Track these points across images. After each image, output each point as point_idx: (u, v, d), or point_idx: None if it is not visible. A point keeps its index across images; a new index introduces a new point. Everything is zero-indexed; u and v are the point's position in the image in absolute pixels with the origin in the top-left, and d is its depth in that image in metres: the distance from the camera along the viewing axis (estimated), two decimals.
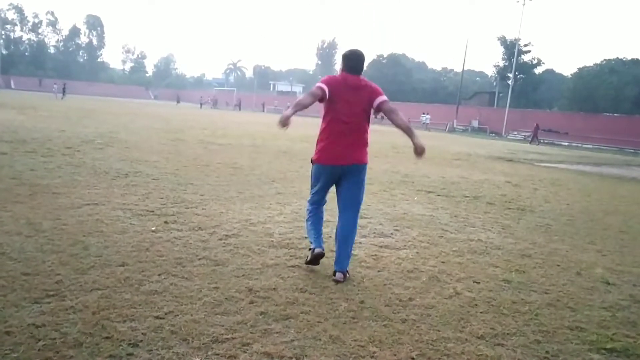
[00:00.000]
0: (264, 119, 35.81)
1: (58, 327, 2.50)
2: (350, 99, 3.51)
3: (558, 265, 4.38)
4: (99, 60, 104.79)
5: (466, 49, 79.55)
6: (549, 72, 66.32)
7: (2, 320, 2.52)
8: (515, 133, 42.53)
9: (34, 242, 3.77)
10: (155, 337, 2.49)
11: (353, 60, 3.59)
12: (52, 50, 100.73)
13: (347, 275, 3.58)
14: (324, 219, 3.87)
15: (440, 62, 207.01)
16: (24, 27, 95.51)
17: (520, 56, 53.23)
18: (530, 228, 5.86)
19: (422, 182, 8.90)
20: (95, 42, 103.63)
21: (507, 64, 55.88)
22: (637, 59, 51.64)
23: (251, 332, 2.63)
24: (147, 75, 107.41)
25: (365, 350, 2.54)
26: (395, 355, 2.53)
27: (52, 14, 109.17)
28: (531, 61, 57.40)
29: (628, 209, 8.05)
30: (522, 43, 53.04)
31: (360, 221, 3.79)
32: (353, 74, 3.57)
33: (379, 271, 3.81)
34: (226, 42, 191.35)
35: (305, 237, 4.52)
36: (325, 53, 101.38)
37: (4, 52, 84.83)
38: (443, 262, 4.18)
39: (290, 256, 3.99)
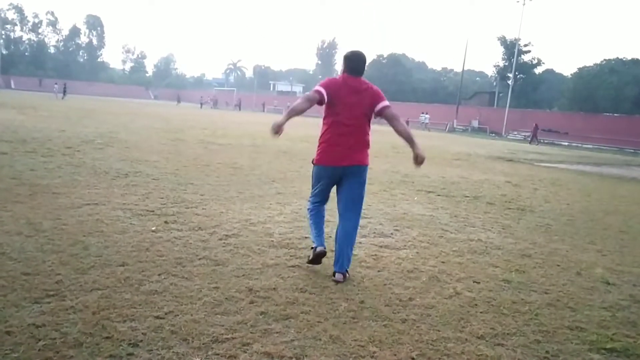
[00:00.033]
0: (264, 119, 35.82)
1: (58, 327, 2.50)
2: (351, 102, 3.50)
3: (558, 265, 4.38)
4: (99, 60, 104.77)
5: (466, 49, 79.66)
6: (549, 72, 66.32)
7: (3, 320, 2.52)
8: (515, 133, 42.53)
9: (34, 242, 3.77)
10: (156, 337, 2.49)
11: (354, 61, 3.58)
12: (52, 50, 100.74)
13: (347, 275, 3.58)
14: (325, 219, 3.86)
15: (440, 62, 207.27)
16: (24, 27, 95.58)
17: (520, 56, 53.22)
18: (530, 228, 5.86)
19: (422, 182, 8.90)
20: (95, 42, 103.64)
21: (507, 64, 55.87)
22: (637, 59, 51.64)
23: (251, 332, 2.63)
24: (147, 75, 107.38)
25: (365, 350, 2.54)
26: (395, 355, 2.53)
27: (52, 14, 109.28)
28: (531, 61, 57.40)
29: (628, 209, 8.05)
30: (522, 43, 53.08)
31: (360, 221, 3.79)
32: (354, 76, 3.56)
33: (379, 271, 3.81)
34: (226, 42, 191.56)
35: (306, 237, 4.53)
36: (325, 53, 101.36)
37: (4, 52, 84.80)
38: (443, 262, 4.18)
39: (291, 256, 3.99)
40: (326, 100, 3.48)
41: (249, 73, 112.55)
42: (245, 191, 6.59)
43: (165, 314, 2.75)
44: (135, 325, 2.58)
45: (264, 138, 16.09)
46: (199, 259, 3.72)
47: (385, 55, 72.61)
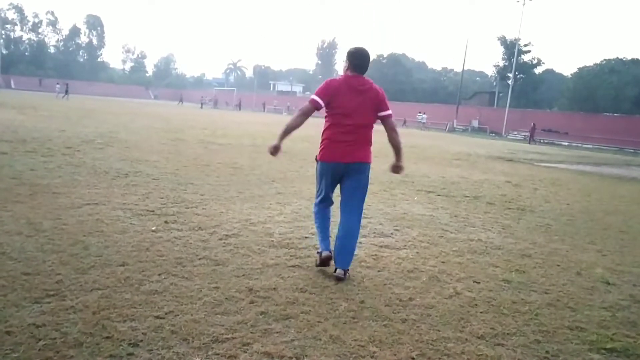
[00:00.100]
0: (264, 118, 35.83)
1: (58, 326, 2.50)
2: (353, 102, 3.49)
3: (558, 265, 4.38)
4: (99, 60, 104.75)
5: (466, 49, 79.67)
6: (549, 72, 66.36)
7: (3, 320, 2.52)
8: (515, 133, 42.54)
9: (34, 241, 3.77)
10: (156, 336, 2.49)
11: (358, 58, 3.57)
12: (52, 50, 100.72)
13: (348, 274, 3.57)
14: (330, 220, 3.85)
15: (440, 62, 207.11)
16: (24, 27, 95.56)
17: (520, 56, 53.24)
18: (530, 228, 5.86)
19: (422, 182, 8.90)
20: (95, 42, 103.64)
21: (507, 64, 55.89)
22: (637, 59, 51.67)
23: (251, 332, 2.63)
24: (147, 75, 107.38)
25: (365, 350, 2.55)
26: (395, 355, 2.53)
27: (52, 13, 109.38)
28: (531, 61, 57.43)
29: (628, 209, 8.05)
30: (522, 43, 53.12)
31: (361, 220, 3.79)
32: (358, 73, 3.56)
33: (379, 271, 3.81)
34: (226, 42, 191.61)
35: (306, 237, 4.54)
36: (325, 53, 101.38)
37: (4, 51, 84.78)
38: (443, 262, 4.18)
39: (291, 256, 3.99)
40: (324, 105, 3.51)
41: (249, 73, 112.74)
42: (246, 191, 6.59)
43: (166, 313, 2.75)
44: (135, 325, 2.58)
45: (264, 138, 16.09)
46: (199, 258, 3.72)
47: (385, 55, 72.65)
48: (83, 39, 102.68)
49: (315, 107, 3.51)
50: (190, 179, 7.14)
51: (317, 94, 3.52)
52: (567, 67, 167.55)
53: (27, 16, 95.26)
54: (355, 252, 3.72)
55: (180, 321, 2.67)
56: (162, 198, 5.69)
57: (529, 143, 33.70)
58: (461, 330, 2.89)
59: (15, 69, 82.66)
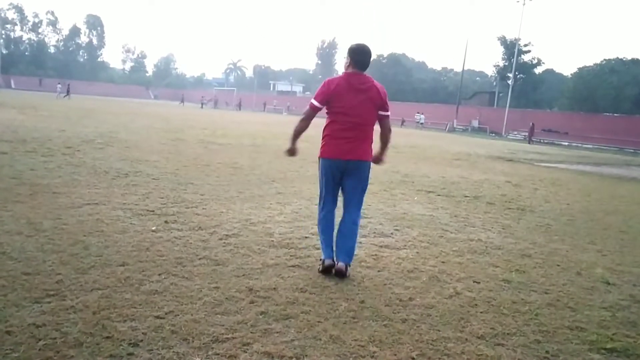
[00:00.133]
0: (264, 118, 35.83)
1: (58, 326, 2.50)
2: (354, 101, 3.50)
3: (558, 265, 4.38)
4: (99, 60, 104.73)
5: (466, 49, 79.69)
6: (549, 72, 66.35)
7: (3, 320, 2.52)
8: (515, 133, 42.53)
9: (35, 241, 3.77)
10: (156, 336, 2.49)
11: (360, 54, 3.58)
12: (52, 50, 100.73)
13: (349, 272, 3.57)
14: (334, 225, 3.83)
15: (440, 62, 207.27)
16: (24, 27, 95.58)
17: (520, 56, 53.24)
18: (530, 228, 5.86)
19: (422, 182, 8.90)
20: (95, 41, 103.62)
21: (507, 63, 55.89)
22: (637, 59, 51.66)
23: (251, 332, 2.63)
24: (147, 75, 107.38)
25: (365, 350, 2.55)
26: (395, 355, 2.53)
27: (52, 13, 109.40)
28: (531, 61, 57.43)
29: (628, 209, 8.05)
30: (522, 43, 53.11)
31: (360, 221, 3.80)
32: (359, 69, 3.57)
33: (379, 271, 3.81)
34: (226, 42, 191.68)
35: (306, 237, 4.54)
36: (325, 53, 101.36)
37: (4, 51, 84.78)
38: (443, 262, 4.18)
39: (291, 256, 3.99)
40: (323, 106, 3.57)
41: (249, 73, 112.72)
42: (246, 191, 6.59)
43: (166, 313, 2.75)
44: (135, 325, 2.58)
45: (264, 138, 16.10)
46: (199, 258, 3.72)
47: (385, 55, 72.66)
48: (83, 39, 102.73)
49: (316, 109, 3.60)
50: (190, 178, 7.14)
51: (315, 98, 3.59)
52: (567, 67, 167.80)
53: (27, 16, 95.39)
54: (355, 249, 3.72)
55: (180, 321, 2.67)
56: (162, 198, 5.69)
57: (529, 143, 33.69)
58: (461, 330, 2.89)
59: (15, 68, 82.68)
